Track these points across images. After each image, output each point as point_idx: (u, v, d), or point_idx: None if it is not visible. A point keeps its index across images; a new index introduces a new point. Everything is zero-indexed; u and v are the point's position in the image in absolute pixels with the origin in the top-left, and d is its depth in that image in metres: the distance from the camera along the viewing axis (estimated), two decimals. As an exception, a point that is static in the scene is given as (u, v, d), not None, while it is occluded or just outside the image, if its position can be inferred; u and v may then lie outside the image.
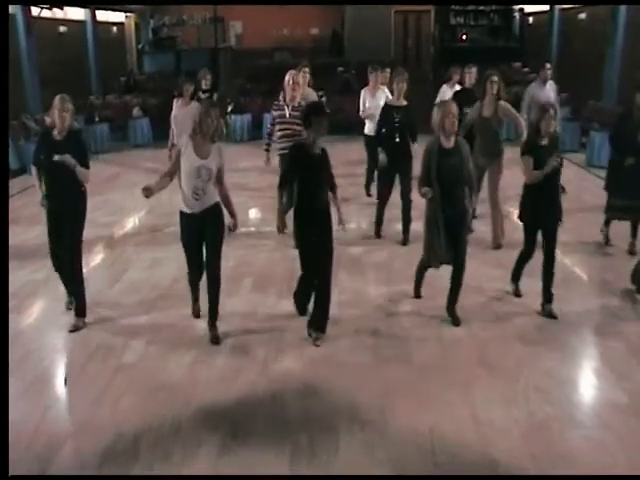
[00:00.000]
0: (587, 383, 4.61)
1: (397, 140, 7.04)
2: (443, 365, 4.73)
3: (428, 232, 5.37)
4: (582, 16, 15.62)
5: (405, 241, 7.32)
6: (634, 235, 6.93)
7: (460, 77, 8.78)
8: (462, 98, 7.65)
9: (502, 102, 6.97)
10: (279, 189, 5.10)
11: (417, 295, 5.92)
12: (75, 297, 5.54)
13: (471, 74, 8.44)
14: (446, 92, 8.84)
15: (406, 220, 7.33)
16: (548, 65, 9.19)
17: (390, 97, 7.86)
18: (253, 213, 9.04)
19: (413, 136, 7.15)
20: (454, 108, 5.15)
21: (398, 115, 7.05)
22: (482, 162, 6.92)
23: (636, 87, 6.67)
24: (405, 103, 7.15)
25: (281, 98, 7.00)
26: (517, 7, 20.52)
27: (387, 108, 7.23)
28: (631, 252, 6.86)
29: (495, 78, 6.93)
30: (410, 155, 7.15)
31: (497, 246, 7.07)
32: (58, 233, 5.35)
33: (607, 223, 7.15)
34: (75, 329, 5.40)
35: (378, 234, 7.62)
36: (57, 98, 5.23)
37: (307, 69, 7.91)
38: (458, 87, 8.76)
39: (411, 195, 7.05)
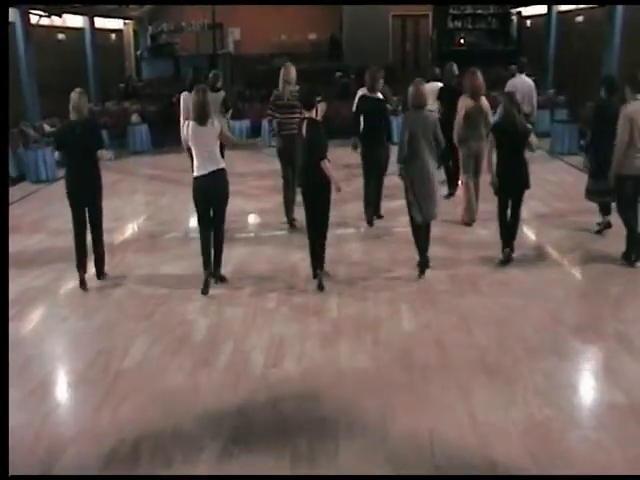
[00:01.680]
0: (585, 384, 4.62)
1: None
2: (442, 367, 4.74)
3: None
4: (579, 19, 15.67)
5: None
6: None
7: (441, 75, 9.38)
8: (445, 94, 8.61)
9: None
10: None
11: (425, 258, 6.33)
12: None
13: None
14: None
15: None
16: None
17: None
18: (252, 218, 9.05)
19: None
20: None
21: None
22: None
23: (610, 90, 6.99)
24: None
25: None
26: (515, 10, 20.56)
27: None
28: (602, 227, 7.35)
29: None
30: None
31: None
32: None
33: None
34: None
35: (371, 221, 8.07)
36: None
37: None
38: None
39: None
